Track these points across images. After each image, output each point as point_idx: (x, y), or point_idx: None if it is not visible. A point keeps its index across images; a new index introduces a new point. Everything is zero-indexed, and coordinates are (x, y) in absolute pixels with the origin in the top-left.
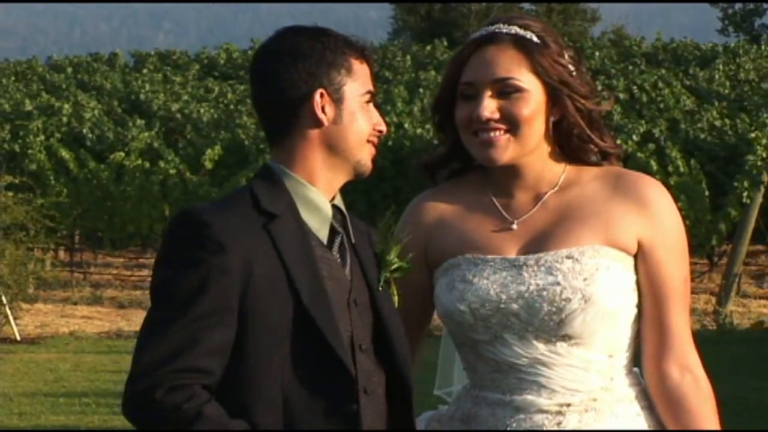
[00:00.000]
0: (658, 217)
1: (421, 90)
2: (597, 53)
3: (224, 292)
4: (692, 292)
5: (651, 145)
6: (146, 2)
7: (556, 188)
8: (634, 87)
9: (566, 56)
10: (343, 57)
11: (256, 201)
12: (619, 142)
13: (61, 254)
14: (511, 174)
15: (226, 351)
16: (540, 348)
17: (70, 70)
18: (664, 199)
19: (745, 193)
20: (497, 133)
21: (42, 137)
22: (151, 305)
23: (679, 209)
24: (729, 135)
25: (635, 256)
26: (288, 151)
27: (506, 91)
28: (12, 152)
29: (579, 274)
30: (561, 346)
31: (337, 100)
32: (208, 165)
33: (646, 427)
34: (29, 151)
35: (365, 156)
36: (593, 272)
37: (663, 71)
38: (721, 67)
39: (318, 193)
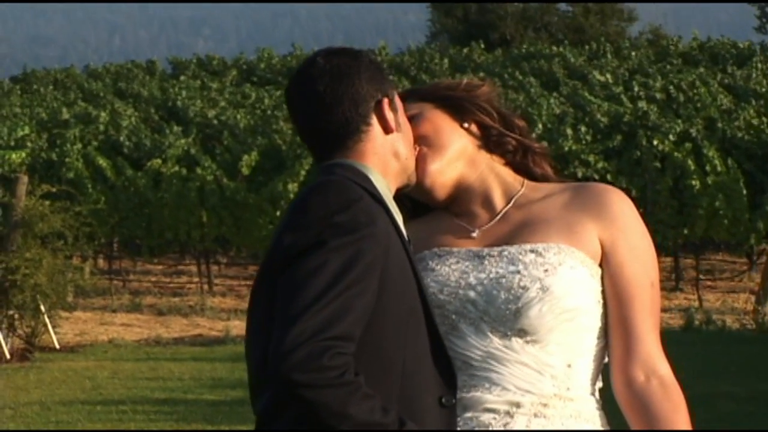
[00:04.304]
0: (618, 219)
1: None
2: (634, 53)
3: (374, 262)
4: (732, 291)
5: (688, 145)
6: (185, 2)
7: (512, 203)
8: (671, 87)
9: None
10: (384, 71)
11: (364, 189)
12: (656, 142)
13: (100, 262)
14: (465, 197)
15: (367, 318)
16: (495, 341)
17: (107, 78)
18: (623, 203)
19: None
20: (416, 152)
21: (79, 145)
22: (290, 269)
23: (717, 209)
24: (766, 133)
25: (601, 266)
26: (360, 154)
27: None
28: (49, 161)
29: (540, 266)
30: (516, 342)
31: (394, 109)
32: (245, 171)
33: None
34: (66, 160)
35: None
36: (555, 266)
37: (700, 70)
38: (758, 65)
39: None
